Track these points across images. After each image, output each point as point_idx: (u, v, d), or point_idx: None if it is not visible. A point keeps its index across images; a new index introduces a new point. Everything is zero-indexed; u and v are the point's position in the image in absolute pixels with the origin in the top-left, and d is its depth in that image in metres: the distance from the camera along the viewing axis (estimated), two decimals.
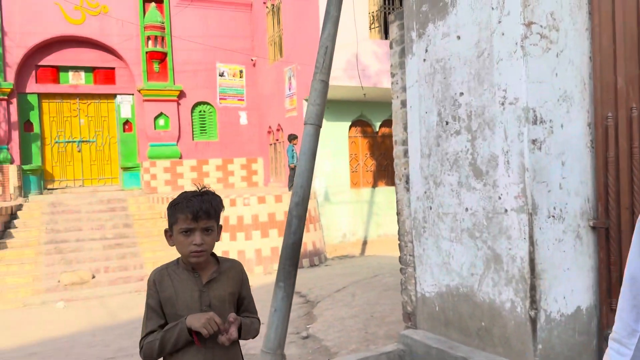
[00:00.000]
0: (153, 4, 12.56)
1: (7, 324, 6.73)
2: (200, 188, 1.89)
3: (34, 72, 11.95)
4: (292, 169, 10.48)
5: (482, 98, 3.01)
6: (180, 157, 13.01)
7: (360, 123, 12.10)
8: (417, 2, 3.45)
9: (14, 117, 11.61)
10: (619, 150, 2.86)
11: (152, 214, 11.34)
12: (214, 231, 1.85)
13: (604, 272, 2.92)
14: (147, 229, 10.83)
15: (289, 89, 11.86)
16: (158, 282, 1.86)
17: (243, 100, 13.80)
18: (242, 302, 2.01)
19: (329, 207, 11.29)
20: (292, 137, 10.71)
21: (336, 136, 11.46)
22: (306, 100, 11.21)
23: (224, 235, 9.43)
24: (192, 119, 13.25)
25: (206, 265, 1.90)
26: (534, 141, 2.77)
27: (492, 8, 2.89)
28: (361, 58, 10.05)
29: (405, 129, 3.82)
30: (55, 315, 7.18)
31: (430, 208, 3.46)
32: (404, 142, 3.91)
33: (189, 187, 13.10)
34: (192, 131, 13.26)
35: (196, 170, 13.20)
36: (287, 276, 4.56)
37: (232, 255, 9.15)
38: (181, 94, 12.97)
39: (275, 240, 9.58)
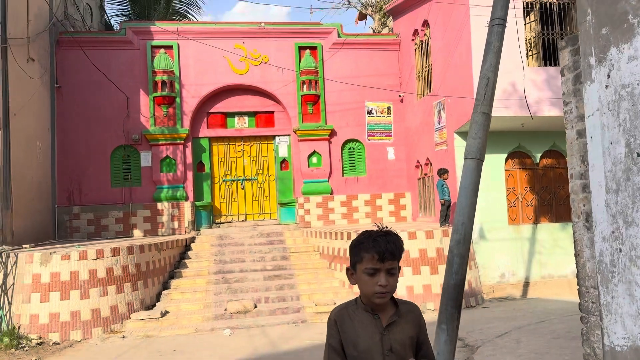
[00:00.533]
0: (308, 51, 13.41)
1: (184, 348, 7.41)
2: (381, 227, 1.91)
3: (205, 119, 13.40)
4: (443, 204, 10.20)
5: None
6: (331, 193, 13.44)
7: (518, 155, 11.41)
8: (595, 26, 3.18)
9: (189, 159, 13.07)
10: None
11: (307, 247, 11.83)
12: (397, 272, 1.86)
13: None
14: (302, 261, 11.30)
15: (439, 122, 11.68)
16: (339, 322, 1.90)
17: (390, 135, 13.91)
18: (421, 347, 1.97)
19: (485, 244, 10.70)
20: (442, 172, 10.47)
21: (491, 169, 10.92)
22: (457, 133, 10.91)
23: None
24: (342, 156, 13.68)
25: (385, 307, 1.90)
26: None
27: None
28: (518, 87, 9.57)
29: (584, 161, 3.49)
30: (223, 341, 7.73)
31: (620, 250, 3.08)
32: (582, 176, 3.58)
33: (340, 221, 13.42)
34: (342, 167, 13.66)
35: (346, 205, 13.51)
36: (450, 318, 4.38)
37: None
38: (332, 133, 13.51)
39: (427, 278, 9.32)
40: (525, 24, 10.34)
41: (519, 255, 10.90)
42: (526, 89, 9.93)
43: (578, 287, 3.63)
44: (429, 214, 12.56)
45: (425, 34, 12.65)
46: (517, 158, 11.42)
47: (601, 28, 3.15)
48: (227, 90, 13.41)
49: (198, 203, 13.10)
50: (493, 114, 9.62)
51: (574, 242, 3.67)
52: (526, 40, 10.36)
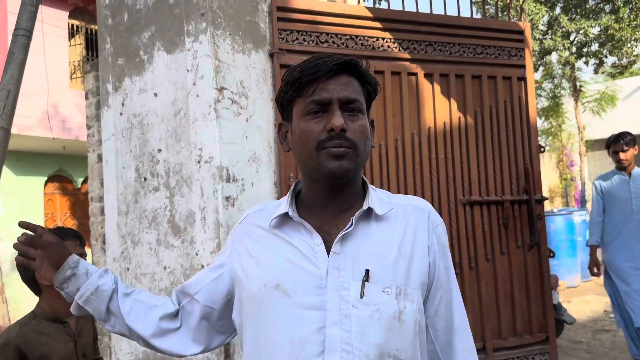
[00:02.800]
0: None
1: None
2: None
3: None
4: None
5: (180, 155, 3.04)
6: None
7: (58, 178, 10.88)
8: (113, 55, 3.34)
9: None
10: None
11: None
12: None
13: None
14: None
15: None
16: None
17: None
18: None
19: (17, 276, 9.59)
20: None
21: (28, 193, 10.00)
22: None
23: None
24: None
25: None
26: (227, 198, 2.91)
27: (187, 70, 3.00)
28: (61, 109, 9.21)
29: (102, 184, 3.57)
30: None
31: (128, 269, 3.26)
32: (101, 199, 3.64)
33: None
34: None
35: None
36: None
37: None
38: None
39: None
40: (70, 46, 10.11)
41: None
42: (69, 111, 9.66)
43: None
44: None
45: None
46: (58, 182, 10.90)
47: (118, 58, 3.33)
48: None
49: None
50: (31, 133, 8.95)
51: (93, 264, 3.67)
52: (71, 63, 10.13)
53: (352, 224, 1.06)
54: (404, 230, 1.10)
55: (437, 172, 3.58)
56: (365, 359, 0.99)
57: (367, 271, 1.02)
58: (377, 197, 1.13)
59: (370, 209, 1.09)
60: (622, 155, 4.28)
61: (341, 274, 1.03)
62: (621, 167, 4.35)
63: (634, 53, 12.13)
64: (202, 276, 1.24)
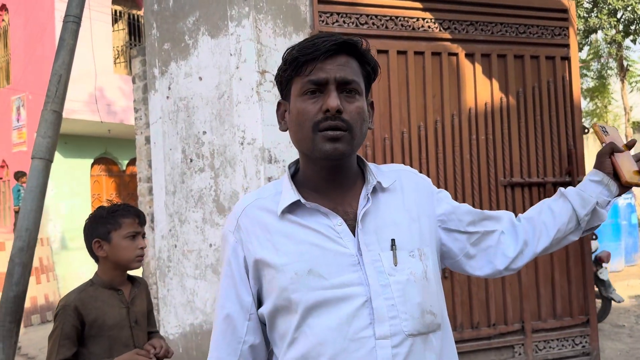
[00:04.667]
0: None
1: None
2: None
3: None
4: (18, 212, 9.11)
5: (224, 137, 3.14)
6: None
7: (104, 161, 11.28)
8: (159, 40, 3.45)
9: None
10: None
11: None
12: None
13: None
14: None
15: (18, 120, 10.41)
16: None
17: None
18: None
19: (66, 254, 10.09)
20: (19, 175, 9.35)
21: (76, 175, 10.42)
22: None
23: None
24: None
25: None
26: (269, 179, 2.99)
27: (231, 54, 3.08)
28: (106, 93, 9.50)
29: (150, 165, 3.72)
30: None
31: (175, 246, 3.40)
32: (149, 180, 3.79)
33: None
34: None
35: None
36: (6, 335, 3.90)
37: None
38: None
39: None
40: (113, 31, 10.39)
41: None
42: (114, 95, 9.97)
43: None
44: (3, 223, 10.98)
45: (3, 20, 11.09)
46: (104, 164, 11.30)
47: (164, 43, 3.43)
48: None
49: None
50: (78, 117, 9.28)
51: None
52: (114, 48, 10.41)
53: (369, 200, 1.10)
54: (404, 196, 1.16)
55: (477, 154, 3.56)
56: (411, 319, 1.04)
57: (393, 240, 1.07)
58: (378, 171, 1.17)
59: (378, 182, 1.13)
60: None
61: (369, 248, 1.07)
62: None
63: None
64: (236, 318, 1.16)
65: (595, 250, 5.18)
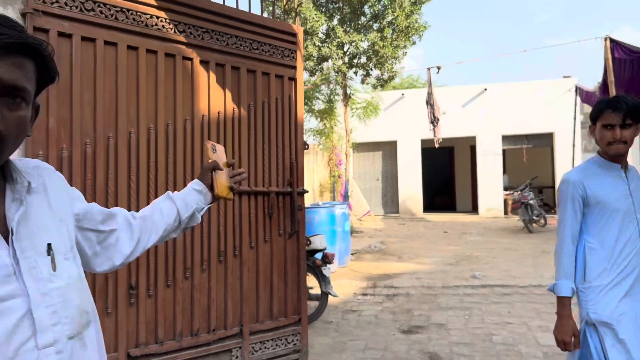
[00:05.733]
0: None
1: None
2: None
3: None
4: None
5: None
6: None
7: None
8: None
9: None
10: None
11: None
12: None
13: None
14: None
15: None
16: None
17: None
18: None
19: None
20: None
21: None
22: None
23: None
24: None
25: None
26: None
27: None
28: None
29: None
30: None
31: None
32: None
33: None
34: None
35: None
36: None
37: None
38: None
39: None
40: None
41: None
42: None
43: None
44: None
45: None
46: None
47: None
48: None
49: None
50: None
51: None
52: None
53: (22, 203, 1.02)
54: (49, 196, 1.11)
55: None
56: (71, 322, 1.03)
57: (50, 245, 1.04)
58: (23, 168, 1.07)
59: (28, 183, 1.05)
60: (619, 134, 2.25)
61: (25, 255, 0.99)
62: (614, 155, 2.32)
63: (394, 69, 13.97)
64: None
65: (324, 249, 5.77)
